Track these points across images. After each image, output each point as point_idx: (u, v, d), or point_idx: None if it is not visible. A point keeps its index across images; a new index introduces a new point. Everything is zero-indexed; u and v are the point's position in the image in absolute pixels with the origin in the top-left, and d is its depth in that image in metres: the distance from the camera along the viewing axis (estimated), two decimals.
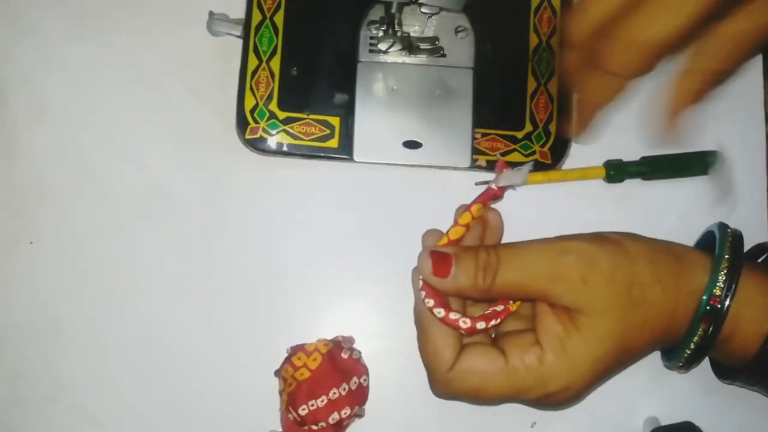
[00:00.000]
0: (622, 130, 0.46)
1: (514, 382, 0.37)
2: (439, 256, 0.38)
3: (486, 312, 0.39)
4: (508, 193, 0.42)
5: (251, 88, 0.45)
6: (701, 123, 0.44)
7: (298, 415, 0.40)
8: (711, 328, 0.37)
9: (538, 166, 0.45)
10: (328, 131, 0.45)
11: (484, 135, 0.45)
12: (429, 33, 0.46)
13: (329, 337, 0.44)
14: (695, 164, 0.46)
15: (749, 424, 0.45)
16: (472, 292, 0.38)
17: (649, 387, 0.45)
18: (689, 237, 0.44)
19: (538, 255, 0.37)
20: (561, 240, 0.38)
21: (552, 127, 0.46)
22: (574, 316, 0.37)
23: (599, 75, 0.36)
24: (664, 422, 0.44)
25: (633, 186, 0.46)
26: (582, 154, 0.46)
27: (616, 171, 0.46)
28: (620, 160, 0.46)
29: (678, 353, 0.39)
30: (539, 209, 0.46)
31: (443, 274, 0.37)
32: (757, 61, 0.48)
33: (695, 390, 0.45)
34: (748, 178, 0.47)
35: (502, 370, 0.37)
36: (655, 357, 0.43)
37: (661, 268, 0.38)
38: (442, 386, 0.39)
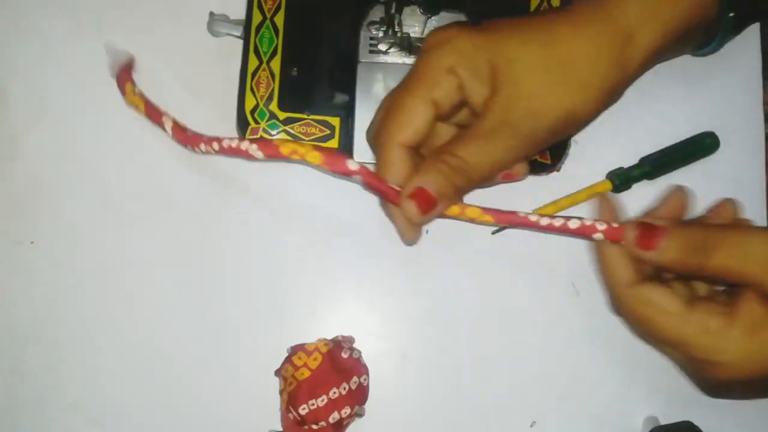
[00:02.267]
0: (621, 131, 0.46)
1: (685, 331, 0.37)
2: (647, 228, 0.38)
3: None
4: (522, 207, 0.42)
5: (251, 89, 0.45)
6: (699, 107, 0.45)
7: (299, 414, 0.40)
8: None
9: (538, 167, 0.45)
10: (329, 132, 0.45)
11: None
12: None
13: (329, 337, 0.44)
14: (694, 150, 0.47)
15: (749, 423, 0.45)
16: (678, 269, 0.38)
17: (648, 386, 0.45)
18: None
19: (760, 243, 0.37)
20: None
21: None
22: (763, 288, 0.36)
23: None
24: (664, 422, 0.44)
25: (640, 187, 0.46)
26: (582, 154, 0.46)
27: (621, 180, 0.46)
28: (621, 167, 0.46)
29: None
30: None
31: (650, 247, 0.37)
32: (756, 61, 0.48)
33: (695, 390, 0.45)
34: (747, 177, 0.47)
35: (681, 314, 0.37)
36: (656, 357, 0.43)
37: None
38: (617, 301, 0.39)
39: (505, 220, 0.39)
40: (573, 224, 0.38)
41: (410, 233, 0.40)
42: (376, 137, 0.39)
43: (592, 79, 0.37)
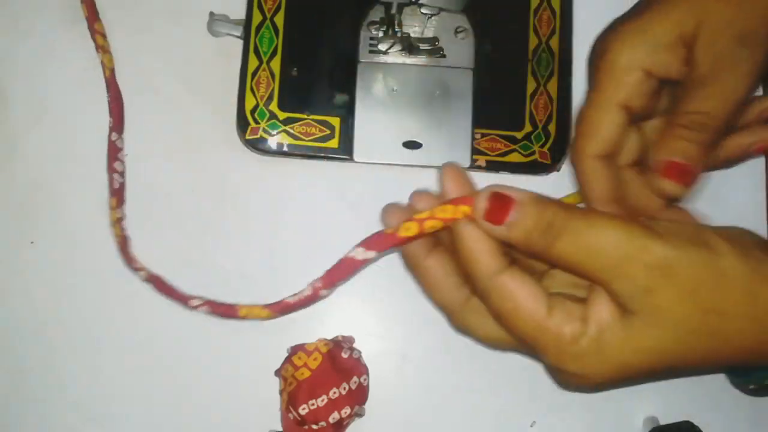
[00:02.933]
0: None
1: (540, 337, 0.33)
2: (500, 198, 0.32)
3: None
4: None
5: (251, 89, 0.45)
6: None
7: (299, 414, 0.40)
8: None
9: (538, 167, 0.46)
10: (329, 131, 0.45)
11: (483, 135, 0.46)
12: (429, 33, 0.46)
13: (329, 337, 0.44)
14: None
15: (749, 423, 0.45)
16: (524, 250, 0.33)
17: (648, 386, 0.45)
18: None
19: (610, 238, 0.31)
20: (645, 231, 0.31)
21: (551, 128, 0.46)
22: (627, 315, 0.32)
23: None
24: (664, 422, 0.44)
25: None
26: None
27: None
28: None
29: (757, 376, 0.36)
30: None
31: (497, 221, 0.32)
32: None
33: (695, 389, 0.45)
34: (748, 176, 0.47)
35: (539, 317, 0.32)
36: None
37: (762, 303, 0.31)
38: (481, 293, 0.34)
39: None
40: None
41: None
42: (570, 153, 0.40)
43: None
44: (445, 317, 0.37)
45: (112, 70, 0.46)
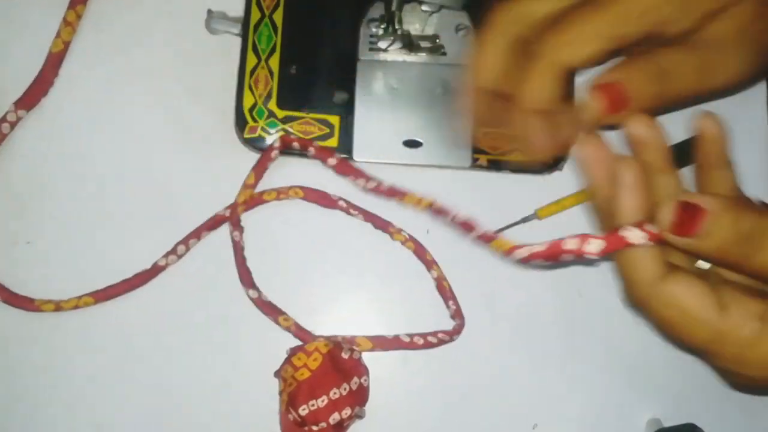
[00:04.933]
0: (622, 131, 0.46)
1: (714, 339, 0.31)
2: (688, 208, 0.30)
3: None
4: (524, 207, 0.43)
5: (250, 87, 0.45)
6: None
7: (299, 415, 0.40)
8: None
9: (540, 166, 0.45)
10: (328, 130, 0.45)
11: (484, 134, 0.45)
12: (429, 31, 0.46)
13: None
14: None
15: (751, 425, 0.45)
16: (717, 260, 0.31)
17: (651, 389, 0.45)
18: None
19: None
20: None
21: None
22: None
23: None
24: (667, 424, 0.44)
25: None
26: None
27: None
28: None
29: None
30: (555, 226, 0.46)
31: (685, 233, 0.30)
32: None
33: (698, 392, 0.45)
34: (749, 176, 0.47)
35: (712, 321, 0.31)
36: (658, 359, 0.43)
37: None
38: (637, 300, 0.33)
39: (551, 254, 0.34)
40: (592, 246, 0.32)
41: (545, 144, 0.34)
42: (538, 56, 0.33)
43: None
44: (628, 289, 0.34)
45: (67, 44, 0.45)
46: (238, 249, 0.44)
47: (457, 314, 0.44)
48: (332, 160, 0.44)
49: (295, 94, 0.45)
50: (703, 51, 0.33)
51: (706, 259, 0.32)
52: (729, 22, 0.33)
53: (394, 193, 0.44)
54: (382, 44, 0.45)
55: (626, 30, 0.32)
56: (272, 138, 0.44)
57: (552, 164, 0.46)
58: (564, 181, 0.46)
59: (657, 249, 0.32)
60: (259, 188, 0.45)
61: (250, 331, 0.44)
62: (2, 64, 0.46)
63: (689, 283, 0.31)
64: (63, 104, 0.46)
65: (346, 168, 0.44)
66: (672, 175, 0.36)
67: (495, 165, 0.45)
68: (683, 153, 0.46)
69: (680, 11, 0.33)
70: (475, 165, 0.45)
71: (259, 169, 0.44)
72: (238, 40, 0.45)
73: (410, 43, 0.46)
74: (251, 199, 0.44)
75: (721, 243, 0.30)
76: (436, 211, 0.44)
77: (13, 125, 0.45)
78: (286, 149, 0.44)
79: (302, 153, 0.45)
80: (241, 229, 0.44)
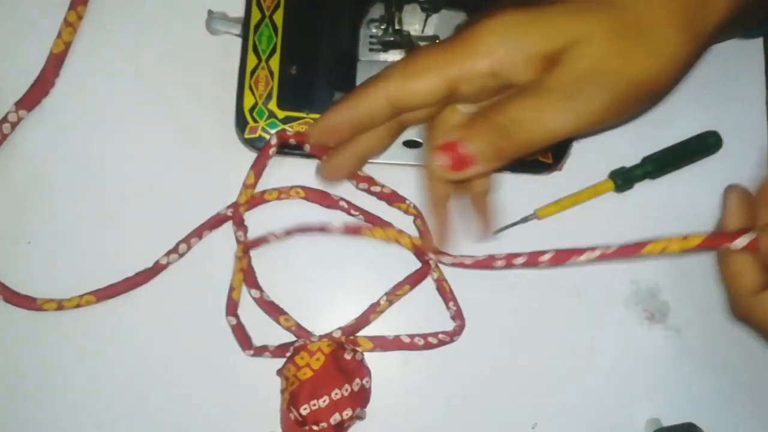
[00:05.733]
0: (623, 131, 0.46)
1: None
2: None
3: None
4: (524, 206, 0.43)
5: (250, 87, 0.45)
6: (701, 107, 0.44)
7: (300, 414, 0.40)
8: None
9: (540, 166, 0.45)
10: None
11: None
12: (429, 31, 0.46)
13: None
14: (697, 149, 0.47)
15: (751, 425, 0.45)
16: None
17: (651, 388, 0.45)
18: (708, 223, 0.44)
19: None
20: None
21: None
22: None
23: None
24: (666, 423, 0.44)
25: (643, 186, 0.46)
26: (584, 153, 0.46)
27: (623, 180, 0.46)
28: (623, 167, 0.46)
29: None
30: (554, 223, 0.46)
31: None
32: (759, 60, 0.48)
33: (697, 392, 0.45)
34: (750, 176, 0.47)
35: None
36: (658, 359, 0.43)
37: None
38: (743, 312, 0.36)
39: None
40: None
41: (431, 187, 0.36)
42: (378, 77, 0.36)
43: (665, 47, 0.33)
44: (732, 301, 0.38)
45: (68, 45, 0.45)
46: None
47: (458, 315, 0.44)
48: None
49: (296, 94, 0.45)
50: (550, 97, 0.33)
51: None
52: (575, 64, 0.33)
53: (384, 198, 0.45)
54: (382, 45, 0.45)
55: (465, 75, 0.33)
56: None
57: (551, 164, 0.45)
58: (564, 181, 0.46)
59: (758, 262, 0.35)
60: (261, 188, 0.45)
61: (252, 329, 0.44)
62: (3, 65, 0.46)
63: None
64: (64, 104, 0.46)
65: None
66: None
67: None
68: (677, 158, 0.46)
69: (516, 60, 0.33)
70: None
71: (258, 168, 0.44)
72: (238, 41, 0.45)
73: (410, 44, 0.46)
74: (252, 198, 0.44)
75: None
76: (423, 223, 0.44)
77: (14, 125, 0.45)
78: (285, 148, 0.44)
79: (301, 152, 0.45)
80: (245, 229, 0.44)
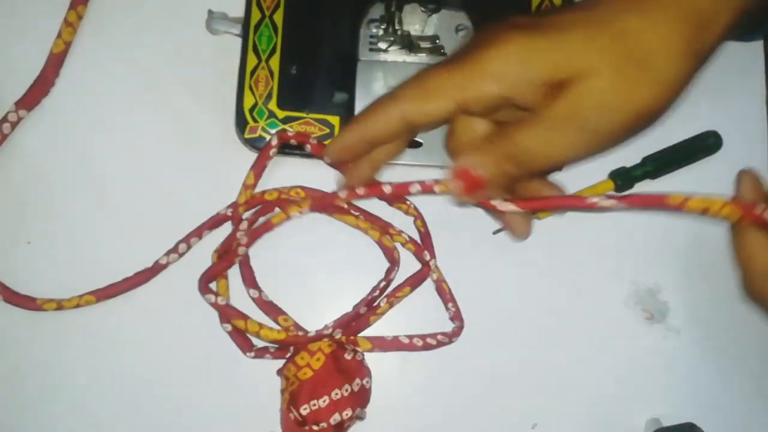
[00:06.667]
0: None
1: None
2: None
3: None
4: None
5: (250, 87, 0.45)
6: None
7: (300, 414, 0.40)
8: None
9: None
10: (328, 130, 0.45)
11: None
12: (429, 31, 0.46)
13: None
14: (697, 149, 0.47)
15: (751, 425, 0.45)
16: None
17: (651, 388, 0.45)
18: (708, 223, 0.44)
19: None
20: None
21: None
22: None
23: None
24: (666, 423, 0.44)
25: (643, 186, 0.46)
26: None
27: (623, 180, 0.46)
28: (623, 167, 0.46)
29: None
30: (553, 223, 0.46)
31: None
32: (759, 61, 0.48)
33: (697, 391, 0.45)
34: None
35: None
36: (656, 358, 0.43)
37: None
38: (756, 293, 0.37)
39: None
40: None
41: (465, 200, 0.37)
42: (391, 97, 0.37)
43: (667, 73, 0.34)
44: (745, 282, 0.38)
45: (68, 45, 0.45)
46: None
47: (457, 316, 0.44)
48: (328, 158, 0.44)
49: (296, 94, 0.45)
50: (557, 128, 0.34)
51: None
52: (583, 96, 0.34)
53: (385, 198, 0.45)
54: (382, 45, 0.45)
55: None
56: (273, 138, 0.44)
57: None
58: (564, 181, 0.45)
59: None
60: (261, 188, 0.45)
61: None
62: (3, 65, 0.46)
63: None
64: (64, 104, 0.46)
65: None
66: None
67: None
68: (677, 158, 0.46)
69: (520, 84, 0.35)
70: None
71: (258, 168, 0.44)
72: (238, 41, 0.45)
73: (410, 44, 0.46)
74: (252, 199, 0.44)
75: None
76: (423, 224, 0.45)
77: (14, 125, 0.45)
78: (285, 148, 0.44)
79: (302, 152, 0.45)
80: (248, 236, 0.44)
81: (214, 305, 0.42)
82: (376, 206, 0.45)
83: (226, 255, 0.44)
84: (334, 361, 0.41)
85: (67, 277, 0.44)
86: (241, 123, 0.45)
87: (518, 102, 0.35)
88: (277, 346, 0.43)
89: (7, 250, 0.44)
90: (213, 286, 0.44)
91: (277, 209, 0.45)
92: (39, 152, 0.45)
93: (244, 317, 0.42)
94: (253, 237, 0.44)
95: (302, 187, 0.45)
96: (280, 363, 0.43)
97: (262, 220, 0.45)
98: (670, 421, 0.44)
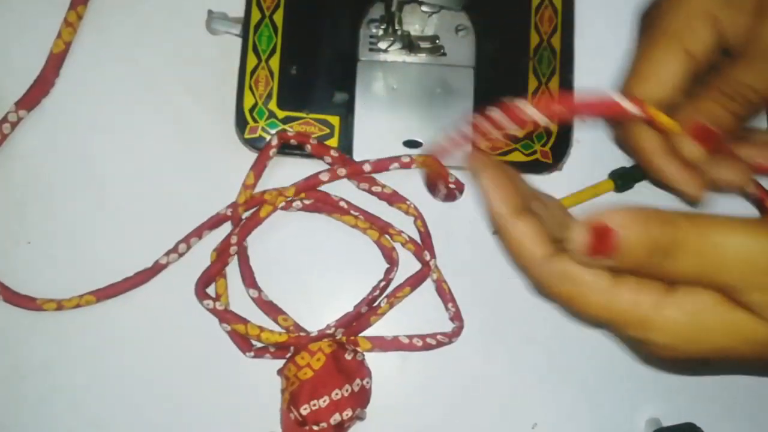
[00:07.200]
0: None
1: (613, 309, 0.30)
2: (599, 232, 0.28)
3: None
4: None
5: (250, 87, 0.45)
6: None
7: (300, 414, 0.40)
8: None
9: (540, 166, 0.45)
10: (328, 131, 0.45)
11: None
12: (429, 32, 0.46)
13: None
14: None
15: (750, 425, 0.45)
16: (634, 271, 0.30)
17: (650, 388, 0.45)
18: None
19: (739, 246, 0.28)
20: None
21: (553, 127, 0.46)
22: (734, 294, 0.29)
23: None
24: (666, 423, 0.44)
25: (642, 186, 0.46)
26: (584, 153, 0.46)
27: (623, 180, 0.46)
28: (623, 167, 0.46)
29: None
30: None
31: (604, 254, 0.28)
32: None
33: (697, 391, 0.45)
34: None
35: (607, 289, 0.30)
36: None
37: None
38: (536, 282, 0.33)
39: None
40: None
41: (691, 183, 0.35)
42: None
43: None
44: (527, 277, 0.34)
45: (68, 45, 0.45)
46: (241, 248, 0.44)
47: (457, 317, 0.44)
48: (329, 157, 0.44)
49: (296, 94, 0.45)
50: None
51: (620, 270, 0.31)
52: None
53: (385, 198, 0.45)
54: (382, 45, 0.45)
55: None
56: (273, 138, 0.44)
57: (551, 164, 0.46)
58: (564, 181, 0.46)
59: (539, 230, 0.32)
60: (261, 188, 0.45)
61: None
62: (3, 65, 0.46)
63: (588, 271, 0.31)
64: (64, 104, 0.46)
65: (345, 162, 0.44)
66: None
67: None
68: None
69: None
70: None
71: (258, 168, 0.44)
72: (238, 41, 0.45)
73: (410, 44, 0.46)
74: (252, 199, 0.44)
75: (636, 259, 0.29)
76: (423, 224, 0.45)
77: (14, 125, 0.45)
78: (286, 149, 0.44)
79: (302, 152, 0.45)
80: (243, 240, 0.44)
81: (213, 311, 0.42)
82: (376, 206, 0.45)
83: (221, 255, 0.44)
84: (334, 361, 0.41)
85: (67, 277, 0.44)
86: (241, 123, 0.45)
87: (730, 31, 0.34)
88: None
89: (7, 250, 0.44)
90: (212, 289, 0.44)
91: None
92: (39, 152, 0.45)
93: (244, 321, 0.42)
94: (243, 233, 0.44)
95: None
96: (280, 363, 0.43)
97: (247, 214, 0.45)
98: (670, 421, 0.44)
